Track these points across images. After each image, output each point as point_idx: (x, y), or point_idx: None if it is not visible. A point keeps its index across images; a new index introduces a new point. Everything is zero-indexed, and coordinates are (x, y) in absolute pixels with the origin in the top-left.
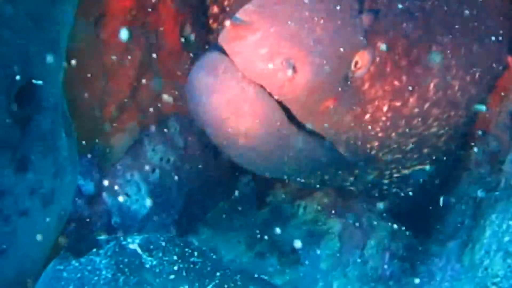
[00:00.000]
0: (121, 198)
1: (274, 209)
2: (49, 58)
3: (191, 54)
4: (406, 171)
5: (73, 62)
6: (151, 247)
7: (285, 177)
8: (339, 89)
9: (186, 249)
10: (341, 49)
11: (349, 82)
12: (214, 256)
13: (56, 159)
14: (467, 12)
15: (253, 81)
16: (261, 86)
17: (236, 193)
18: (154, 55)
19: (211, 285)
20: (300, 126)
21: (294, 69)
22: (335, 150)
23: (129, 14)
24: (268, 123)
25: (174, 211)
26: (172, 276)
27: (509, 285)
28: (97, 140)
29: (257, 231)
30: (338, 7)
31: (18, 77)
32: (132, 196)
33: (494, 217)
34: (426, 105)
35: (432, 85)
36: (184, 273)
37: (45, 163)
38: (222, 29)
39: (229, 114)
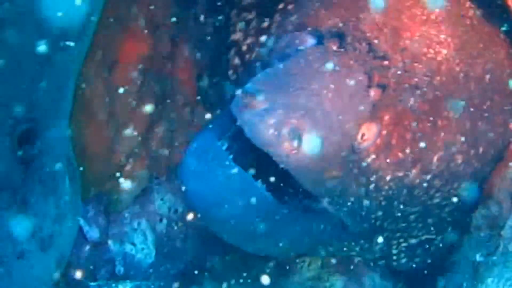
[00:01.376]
0: (126, 247)
1: (279, 263)
2: (56, 102)
3: (206, 104)
4: (413, 241)
5: (84, 107)
6: None
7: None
8: (345, 159)
9: None
10: (349, 122)
11: (355, 153)
12: None
13: (57, 204)
14: (473, 86)
15: (238, 170)
16: (246, 174)
17: None
18: (168, 103)
19: None
20: (294, 204)
21: (300, 139)
22: (338, 222)
23: (144, 61)
24: (256, 209)
25: (180, 262)
26: None
27: None
28: (105, 187)
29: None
30: (347, 81)
31: (23, 119)
32: (138, 245)
33: (489, 281)
34: (429, 177)
35: (435, 158)
36: None
37: (46, 207)
38: (234, 97)
39: (215, 201)
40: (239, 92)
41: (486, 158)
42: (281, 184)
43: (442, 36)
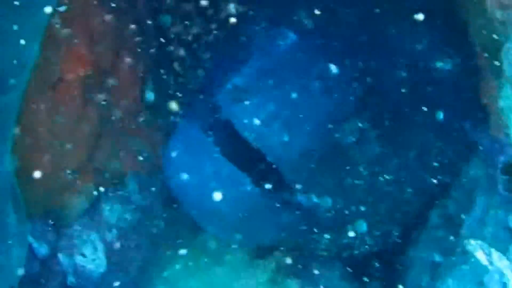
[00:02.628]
0: (77, 258)
1: (233, 268)
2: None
3: (151, 110)
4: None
5: (27, 126)
6: None
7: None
8: (330, 151)
9: None
10: (336, 117)
11: (337, 145)
12: None
13: (4, 239)
14: None
15: (227, 162)
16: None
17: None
18: (113, 115)
19: None
20: (275, 196)
21: (289, 133)
22: (312, 215)
23: (85, 79)
24: (240, 198)
25: (132, 269)
26: None
27: None
28: (52, 203)
29: None
30: (333, 77)
31: None
32: (88, 256)
33: (450, 282)
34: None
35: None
36: None
37: None
38: (223, 92)
39: (203, 192)
40: (228, 86)
41: None
42: (264, 177)
43: None
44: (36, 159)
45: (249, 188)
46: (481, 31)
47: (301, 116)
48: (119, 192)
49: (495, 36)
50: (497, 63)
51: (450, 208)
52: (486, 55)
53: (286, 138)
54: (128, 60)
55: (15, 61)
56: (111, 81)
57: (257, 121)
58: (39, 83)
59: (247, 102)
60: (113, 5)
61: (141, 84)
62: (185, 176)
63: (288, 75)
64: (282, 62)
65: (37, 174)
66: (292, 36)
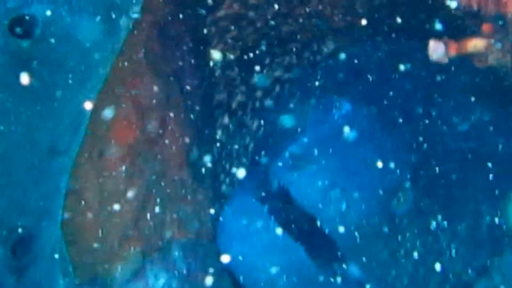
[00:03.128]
0: None
1: None
2: (48, 207)
3: (197, 177)
4: None
5: (76, 195)
6: None
7: None
8: (383, 224)
9: None
10: (393, 187)
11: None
12: None
13: None
14: None
15: (282, 230)
16: (290, 237)
17: None
18: (158, 182)
19: None
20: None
21: (347, 203)
22: None
23: (132, 145)
24: (296, 268)
25: None
26: None
27: None
28: (98, 270)
29: None
30: (389, 147)
31: (18, 229)
32: None
33: None
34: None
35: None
36: None
37: None
38: (280, 161)
39: (259, 264)
40: (287, 153)
41: None
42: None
43: None
44: (84, 225)
45: (303, 259)
46: None
47: (357, 186)
48: (164, 260)
49: None
50: None
51: (496, 279)
52: None
53: (343, 208)
54: (174, 127)
55: (68, 123)
56: (157, 148)
57: (314, 190)
58: (88, 149)
59: (305, 171)
60: (161, 73)
61: (187, 151)
62: (239, 245)
63: (344, 144)
64: (338, 128)
65: (83, 240)
66: (346, 106)
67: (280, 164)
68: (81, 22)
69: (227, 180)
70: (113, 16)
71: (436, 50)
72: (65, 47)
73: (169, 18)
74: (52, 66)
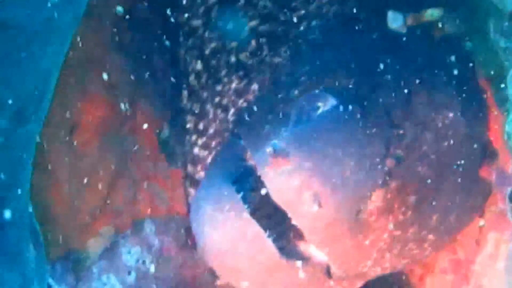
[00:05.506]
0: None
1: None
2: (15, 175)
3: (168, 156)
4: None
5: (45, 169)
6: None
7: None
8: (352, 221)
9: None
10: (364, 191)
11: (360, 215)
12: None
13: (23, 273)
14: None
15: (254, 222)
16: (260, 229)
17: None
18: (129, 160)
19: None
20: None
21: (319, 205)
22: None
23: (103, 123)
24: (264, 263)
25: None
26: None
27: None
28: (71, 245)
29: None
30: (367, 151)
31: None
32: None
33: None
34: (424, 233)
35: (434, 218)
36: None
37: (11, 277)
38: (260, 153)
39: (228, 251)
40: (268, 149)
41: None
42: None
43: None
44: (54, 199)
45: (269, 247)
46: (485, 60)
47: (332, 186)
48: (137, 236)
49: (499, 63)
50: (502, 90)
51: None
52: (490, 84)
53: (314, 209)
54: (144, 106)
55: (33, 88)
56: (128, 125)
57: (289, 187)
58: (56, 124)
59: (284, 168)
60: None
61: (158, 129)
62: (210, 229)
63: (325, 142)
64: (321, 127)
65: (54, 215)
66: (332, 100)
67: (260, 156)
68: None
69: (201, 157)
70: None
71: (395, 20)
72: (26, 9)
73: None
74: (14, 28)
